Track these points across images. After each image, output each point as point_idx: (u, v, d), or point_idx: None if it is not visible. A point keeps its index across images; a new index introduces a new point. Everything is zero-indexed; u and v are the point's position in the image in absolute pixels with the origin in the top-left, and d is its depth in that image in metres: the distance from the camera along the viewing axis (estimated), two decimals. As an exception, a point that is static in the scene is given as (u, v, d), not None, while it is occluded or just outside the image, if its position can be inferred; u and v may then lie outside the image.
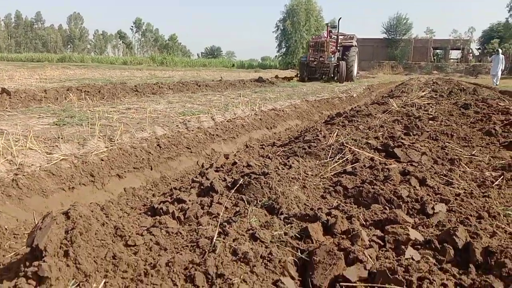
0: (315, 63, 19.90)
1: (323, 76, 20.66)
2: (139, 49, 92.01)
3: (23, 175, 2.66)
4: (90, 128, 3.93)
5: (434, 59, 45.95)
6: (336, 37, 20.72)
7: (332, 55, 19.92)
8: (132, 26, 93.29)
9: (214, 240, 1.64)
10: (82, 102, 6.67)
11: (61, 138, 3.47)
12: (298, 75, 21.35)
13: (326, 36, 20.53)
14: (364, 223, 1.98)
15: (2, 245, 2.21)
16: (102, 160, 3.21)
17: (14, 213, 2.46)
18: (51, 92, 7.09)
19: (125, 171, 3.30)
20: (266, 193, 2.30)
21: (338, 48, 20.74)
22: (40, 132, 3.87)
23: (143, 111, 5.56)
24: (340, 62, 19.95)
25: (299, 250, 1.64)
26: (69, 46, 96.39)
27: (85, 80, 11.83)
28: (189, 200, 2.41)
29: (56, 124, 4.34)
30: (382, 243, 1.71)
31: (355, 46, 21.58)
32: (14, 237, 2.31)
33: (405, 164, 3.19)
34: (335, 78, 20.00)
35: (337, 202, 2.31)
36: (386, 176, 2.69)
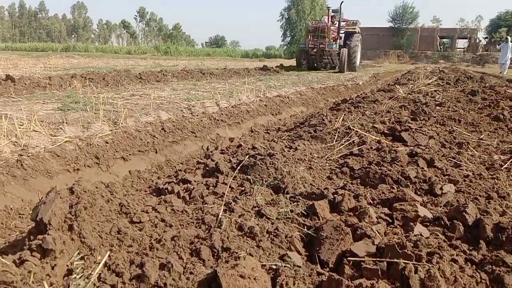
0: (315, 50, 17.44)
1: (325, 66, 18.54)
2: (143, 38, 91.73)
3: (28, 156, 2.65)
4: (95, 113, 3.92)
5: (440, 48, 45.49)
6: (338, 22, 18.12)
7: (334, 42, 17.64)
8: (136, 16, 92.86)
9: (220, 216, 1.62)
10: (86, 89, 6.64)
11: (66, 122, 3.46)
12: (296, 64, 19.13)
13: (327, 21, 18.18)
14: (372, 201, 1.95)
15: (8, 224, 2.21)
16: (107, 142, 3.20)
17: (19, 193, 2.46)
18: (55, 79, 7.06)
19: (130, 154, 3.29)
20: (272, 173, 2.28)
21: (340, 35, 18.37)
22: (45, 116, 3.85)
23: (148, 98, 5.53)
24: (342, 49, 17.52)
25: (305, 227, 1.61)
26: (73, 36, 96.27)
27: (90, 69, 11.81)
28: (194, 181, 2.39)
29: (61, 109, 4.32)
30: (390, 220, 1.69)
31: (358, 33, 19.05)
32: (19, 216, 2.31)
33: (413, 147, 3.15)
34: (336, 67, 17.64)
35: (343, 183, 2.28)
36: (394, 158, 2.65)
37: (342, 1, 18.38)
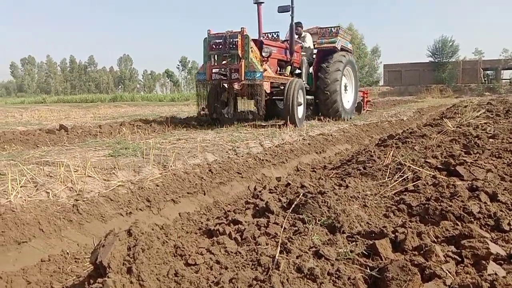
0: (224, 81, 7.81)
1: (244, 115, 8.28)
2: (186, 86, 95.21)
3: (83, 201, 2.72)
4: (145, 157, 4.02)
5: (484, 80, 44.20)
6: (291, 31, 8.90)
7: (262, 69, 7.56)
8: (179, 65, 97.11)
9: (277, 258, 1.57)
10: (134, 135, 6.89)
11: (117, 167, 3.56)
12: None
13: (261, 32, 9.14)
14: (435, 239, 1.84)
15: (65, 269, 2.25)
16: (157, 185, 3.25)
17: (75, 237, 2.51)
18: (105, 127, 7.40)
19: (179, 196, 3.32)
20: (325, 212, 2.21)
21: (302, 54, 9.60)
22: (97, 162, 3.99)
23: (193, 141, 5.64)
24: (291, 82, 8.01)
25: (368, 267, 1.53)
26: (120, 86, 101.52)
27: (137, 116, 12.31)
28: (245, 221, 2.36)
29: (112, 155, 4.47)
30: (459, 259, 1.57)
31: (346, 51, 10.27)
32: (75, 261, 2.35)
33: (470, 181, 2.99)
34: (288, 115, 7.77)
35: (402, 220, 2.17)
36: (453, 193, 2.52)
37: None
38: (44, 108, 20.91)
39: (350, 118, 10.09)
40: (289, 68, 9.09)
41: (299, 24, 9.74)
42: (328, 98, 9.42)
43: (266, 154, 4.90)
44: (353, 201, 2.43)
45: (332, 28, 10.10)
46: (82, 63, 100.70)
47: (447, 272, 1.39)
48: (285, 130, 6.51)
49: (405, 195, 2.58)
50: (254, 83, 7.31)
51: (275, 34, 10.31)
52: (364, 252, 1.67)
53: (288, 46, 8.93)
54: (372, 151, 4.34)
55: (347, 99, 10.50)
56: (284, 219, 2.23)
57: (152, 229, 1.69)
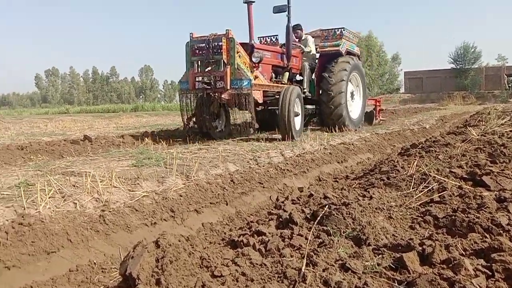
0: (208, 90, 6.78)
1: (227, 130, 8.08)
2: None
3: (109, 211, 2.77)
4: (168, 167, 4.07)
5: (509, 86, 43.28)
6: (288, 33, 7.81)
7: (252, 75, 6.70)
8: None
9: (303, 270, 1.57)
10: (157, 145, 6.99)
11: (141, 177, 3.61)
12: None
13: (252, 35, 7.48)
14: (464, 252, 1.80)
15: (92, 279, 2.29)
16: (181, 196, 3.29)
17: (102, 248, 2.55)
18: (128, 137, 7.52)
19: (202, 207, 3.34)
20: (350, 224, 2.19)
21: (304, 59, 8.84)
22: (121, 173, 4.06)
23: (214, 151, 5.68)
24: (287, 90, 7.03)
25: (395, 281, 1.51)
26: (141, 96, 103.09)
27: (158, 126, 12.47)
28: (269, 233, 2.36)
29: (135, 166, 4.54)
30: (489, 273, 1.54)
31: (351, 56, 9.25)
32: (102, 271, 2.39)
33: (497, 192, 2.93)
34: (284, 126, 6.92)
35: (428, 233, 2.14)
36: (480, 204, 2.47)
37: None
38: (67, 119, 21.38)
39: (359, 129, 9.18)
40: (287, 74, 8.15)
41: (298, 27, 8.88)
42: (332, 109, 8.51)
43: (287, 163, 4.89)
44: (378, 212, 2.40)
45: (336, 30, 8.98)
46: (104, 74, 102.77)
47: (477, 286, 1.37)
48: (306, 139, 6.49)
49: (431, 206, 2.54)
50: (241, 92, 6.45)
51: (273, 37, 9.51)
52: (391, 265, 1.66)
53: (287, 49, 7.92)
54: (395, 161, 4.29)
55: (354, 108, 9.55)
56: (309, 230, 2.22)
57: (179, 241, 1.71)
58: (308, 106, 8.46)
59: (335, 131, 8.43)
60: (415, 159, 4.12)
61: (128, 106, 55.61)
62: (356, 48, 9.66)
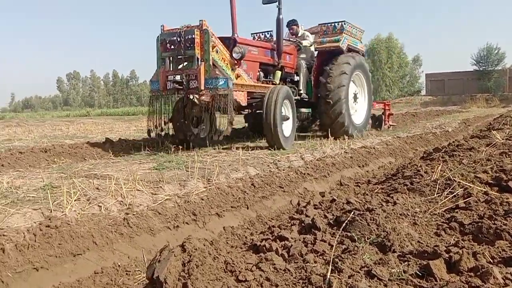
0: (180, 91, 5.90)
1: (206, 135, 7.08)
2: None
3: (133, 214, 2.81)
4: (186, 170, 4.11)
5: (534, 88, 42.23)
6: (278, 27, 6.94)
7: (232, 74, 5.82)
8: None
9: (328, 277, 1.56)
10: (177, 147, 7.05)
11: (163, 181, 3.65)
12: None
13: (235, 28, 6.43)
14: (491, 260, 1.77)
15: (117, 281, 2.32)
16: (202, 199, 3.31)
17: (126, 250, 2.59)
18: (148, 140, 7.61)
19: (223, 210, 3.36)
20: (374, 230, 2.17)
21: (301, 57, 8.02)
22: (143, 175, 4.11)
23: (234, 154, 5.71)
24: (273, 91, 6.24)
25: (423, 289, 1.49)
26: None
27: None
28: (291, 238, 2.35)
29: (156, 169, 4.59)
30: (521, 283, 1.50)
31: (354, 54, 8.42)
32: (126, 273, 2.42)
33: (526, 198, 2.86)
34: (269, 133, 6.10)
35: (454, 240, 2.10)
36: (507, 211, 2.41)
37: None
38: (89, 121, 21.78)
39: (361, 136, 8.20)
40: (278, 74, 7.15)
41: (294, 22, 8.15)
42: (332, 118, 7.61)
43: (308, 167, 4.88)
44: (402, 218, 2.37)
45: (336, 24, 8.05)
46: (124, 77, 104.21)
47: (509, 297, 1.34)
48: (326, 142, 6.45)
49: (456, 212, 2.50)
50: (216, 93, 5.51)
51: (267, 33, 8.64)
52: (418, 272, 1.63)
53: (277, 44, 6.92)
54: (418, 165, 4.23)
55: (359, 112, 8.66)
56: (332, 236, 2.21)
57: (204, 245, 1.72)
58: (303, 110, 7.93)
59: (338, 139, 7.16)
60: (439, 164, 4.06)
61: (147, 108, 56.19)
62: (359, 45, 8.79)
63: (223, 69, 5.66)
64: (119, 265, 2.44)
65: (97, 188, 3.29)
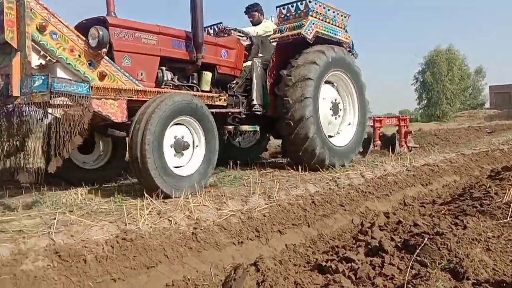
0: None
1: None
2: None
3: (200, 229, 2.92)
4: (249, 186, 4.18)
5: None
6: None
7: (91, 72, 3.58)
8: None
9: (402, 303, 1.55)
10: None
11: (226, 196, 3.75)
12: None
13: (111, 7, 4.09)
14: None
15: (186, 295, 2.42)
16: (264, 216, 3.37)
17: (194, 264, 2.70)
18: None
19: (285, 227, 3.40)
20: (445, 255, 2.12)
21: (260, 56, 5.79)
22: (206, 191, 4.23)
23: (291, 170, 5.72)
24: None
25: (504, 322, 1.44)
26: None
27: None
28: (358, 260, 2.35)
29: (216, 184, 4.71)
30: None
31: (332, 43, 5.67)
32: (195, 287, 2.52)
33: None
34: (137, 172, 3.67)
35: (534, 269, 2.00)
36: None
37: None
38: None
39: (348, 165, 5.80)
40: (206, 76, 4.82)
41: (256, 7, 6.11)
42: (298, 146, 5.28)
43: (369, 185, 4.80)
44: (474, 243, 2.30)
45: (299, 4, 5.47)
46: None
47: None
48: (387, 159, 6.30)
49: (535, 239, 2.38)
50: (31, 101, 3.19)
51: (215, 26, 6.14)
52: (497, 303, 1.58)
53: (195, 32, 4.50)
54: (487, 186, 4.04)
55: (342, 130, 5.99)
56: (400, 260, 2.18)
57: (275, 264, 1.77)
58: (245, 127, 5.30)
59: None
60: (509, 184, 3.86)
61: None
62: (340, 34, 5.91)
63: (69, 63, 3.53)
64: (188, 279, 2.54)
65: (163, 202, 3.44)
